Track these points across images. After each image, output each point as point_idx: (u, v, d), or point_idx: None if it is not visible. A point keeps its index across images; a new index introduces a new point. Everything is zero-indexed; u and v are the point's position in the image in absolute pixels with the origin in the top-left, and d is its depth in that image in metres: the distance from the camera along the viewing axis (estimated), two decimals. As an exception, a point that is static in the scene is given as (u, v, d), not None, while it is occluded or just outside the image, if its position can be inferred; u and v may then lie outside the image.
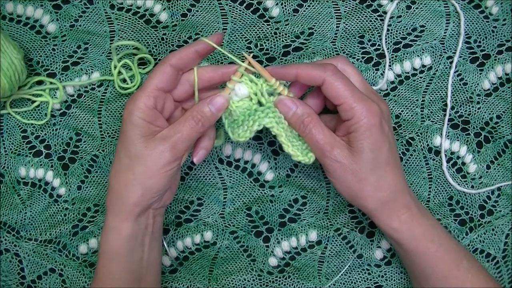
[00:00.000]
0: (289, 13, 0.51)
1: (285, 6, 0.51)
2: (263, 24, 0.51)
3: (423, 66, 0.52)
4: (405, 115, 0.52)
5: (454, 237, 0.47)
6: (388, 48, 0.52)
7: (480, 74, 0.53)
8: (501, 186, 0.53)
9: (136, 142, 0.40)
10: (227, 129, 0.44)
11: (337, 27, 0.51)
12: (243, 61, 0.43)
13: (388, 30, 0.52)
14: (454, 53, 0.52)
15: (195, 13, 0.51)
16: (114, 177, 0.42)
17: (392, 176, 0.42)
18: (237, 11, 0.51)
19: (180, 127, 0.41)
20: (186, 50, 0.42)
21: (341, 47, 0.52)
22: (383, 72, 0.52)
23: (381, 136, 0.41)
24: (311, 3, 0.51)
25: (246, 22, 0.51)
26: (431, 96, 0.52)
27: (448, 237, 0.45)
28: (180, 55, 0.41)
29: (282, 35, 0.51)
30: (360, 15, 0.51)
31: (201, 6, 0.51)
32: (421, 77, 0.52)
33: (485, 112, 0.53)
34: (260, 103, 0.43)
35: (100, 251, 0.44)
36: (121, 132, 0.42)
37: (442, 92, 0.52)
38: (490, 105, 0.53)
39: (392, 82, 0.52)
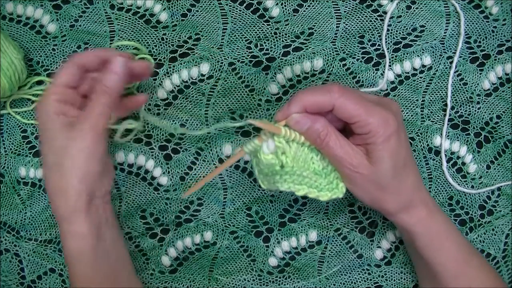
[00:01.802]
0: (289, 13, 0.51)
1: (285, 6, 0.51)
2: (263, 24, 0.51)
3: (423, 66, 0.52)
4: (405, 115, 0.52)
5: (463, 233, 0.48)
6: (388, 48, 0.52)
7: (480, 74, 0.53)
8: (501, 186, 0.53)
9: (57, 135, 0.41)
10: (257, 175, 0.44)
11: (337, 27, 0.52)
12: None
13: (388, 30, 0.52)
14: (454, 53, 0.52)
15: (195, 13, 0.51)
16: (47, 180, 0.43)
17: (411, 177, 0.43)
18: (237, 11, 0.51)
19: (91, 106, 0.41)
20: (92, 54, 0.44)
21: (341, 47, 0.52)
22: (383, 72, 0.52)
23: (398, 143, 0.41)
24: (311, 3, 0.51)
25: (246, 22, 0.51)
26: (431, 96, 0.52)
27: (459, 234, 0.45)
28: (87, 58, 0.43)
29: (282, 35, 0.51)
30: (360, 15, 0.51)
31: (201, 6, 0.51)
32: (421, 77, 0.52)
33: (485, 112, 0.53)
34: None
35: (65, 258, 0.43)
36: (40, 135, 0.43)
37: (442, 92, 0.52)
38: (490, 105, 0.53)
39: (392, 82, 0.52)
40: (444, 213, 0.46)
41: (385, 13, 0.51)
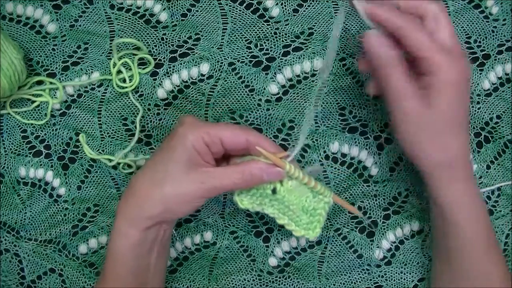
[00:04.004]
0: (289, 13, 0.51)
1: (285, 6, 0.51)
2: (263, 24, 0.51)
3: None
4: (405, 115, 0.52)
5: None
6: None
7: (480, 74, 0.53)
8: (501, 186, 0.53)
9: (179, 165, 0.40)
10: (237, 192, 0.43)
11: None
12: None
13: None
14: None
15: (195, 13, 0.51)
16: (140, 183, 0.41)
17: (463, 140, 0.41)
18: (237, 11, 0.51)
19: (224, 177, 0.40)
20: (265, 142, 0.41)
21: (341, 47, 0.52)
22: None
23: (462, 94, 0.39)
24: (311, 3, 0.51)
25: (246, 22, 0.51)
26: (431, 96, 0.52)
27: (488, 225, 0.44)
28: (256, 140, 0.40)
29: (282, 35, 0.51)
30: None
31: (201, 6, 0.51)
32: (421, 77, 0.52)
33: (485, 112, 0.53)
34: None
35: (108, 252, 0.43)
36: (167, 146, 0.41)
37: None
38: (490, 105, 0.53)
39: (392, 82, 0.52)
40: (483, 202, 0.44)
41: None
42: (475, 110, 0.53)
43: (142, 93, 0.52)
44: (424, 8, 0.40)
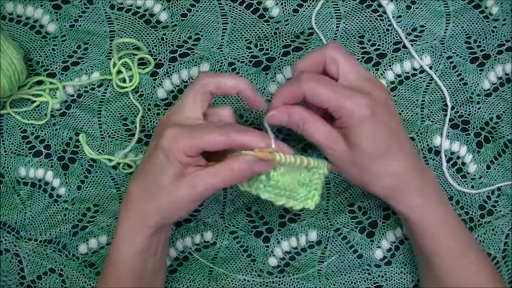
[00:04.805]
0: (289, 13, 0.51)
1: (285, 6, 0.51)
2: (263, 24, 0.51)
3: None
4: (405, 115, 0.52)
5: (466, 227, 0.47)
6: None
7: (480, 74, 0.53)
8: (501, 186, 0.53)
9: (169, 178, 0.40)
10: None
11: (337, 27, 0.52)
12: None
13: (388, 30, 0.52)
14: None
15: (195, 13, 0.51)
16: (135, 195, 0.42)
17: (396, 163, 0.42)
18: (237, 11, 0.51)
19: (214, 177, 0.40)
20: (248, 138, 0.39)
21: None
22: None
23: (375, 125, 0.41)
24: (311, 3, 0.51)
25: (246, 22, 0.51)
26: (431, 96, 0.52)
27: (461, 227, 0.45)
28: (239, 141, 0.39)
29: (282, 35, 0.51)
30: (360, 15, 0.51)
31: (201, 6, 0.51)
32: (421, 77, 0.52)
33: (485, 112, 0.53)
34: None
35: (110, 258, 0.43)
36: (153, 160, 0.41)
37: (442, 92, 0.52)
38: (490, 105, 0.53)
39: (392, 82, 0.52)
40: (447, 204, 0.45)
41: (385, 13, 0.51)
42: (475, 110, 0.53)
43: (142, 93, 0.52)
44: (322, 55, 0.42)
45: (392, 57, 0.52)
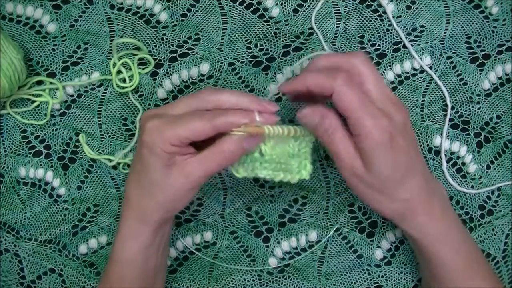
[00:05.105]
0: (289, 13, 0.51)
1: (285, 6, 0.51)
2: (263, 24, 0.51)
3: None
4: (405, 115, 0.52)
5: (470, 238, 0.47)
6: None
7: (480, 74, 0.53)
8: (501, 186, 0.53)
9: (159, 172, 0.40)
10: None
11: (337, 27, 0.52)
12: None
13: (388, 30, 0.52)
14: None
15: (195, 13, 0.51)
16: (133, 194, 0.42)
17: (409, 188, 0.41)
18: (237, 11, 0.51)
19: (206, 163, 0.39)
20: (233, 116, 0.39)
21: (341, 47, 0.52)
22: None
23: (392, 153, 0.39)
24: (311, 3, 0.51)
25: (246, 22, 0.51)
26: (431, 96, 0.52)
27: (463, 239, 0.45)
28: (224, 123, 0.39)
29: (282, 35, 0.51)
30: (360, 15, 0.51)
31: (201, 6, 0.51)
32: (421, 77, 0.52)
33: (485, 112, 0.53)
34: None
35: (113, 257, 0.43)
36: (140, 157, 0.40)
37: (442, 92, 0.52)
38: (490, 105, 0.53)
39: (392, 82, 0.52)
40: (452, 217, 0.45)
41: (385, 13, 0.51)
42: (475, 110, 0.53)
43: (142, 93, 0.52)
44: (348, 63, 0.40)
45: (392, 57, 0.52)
